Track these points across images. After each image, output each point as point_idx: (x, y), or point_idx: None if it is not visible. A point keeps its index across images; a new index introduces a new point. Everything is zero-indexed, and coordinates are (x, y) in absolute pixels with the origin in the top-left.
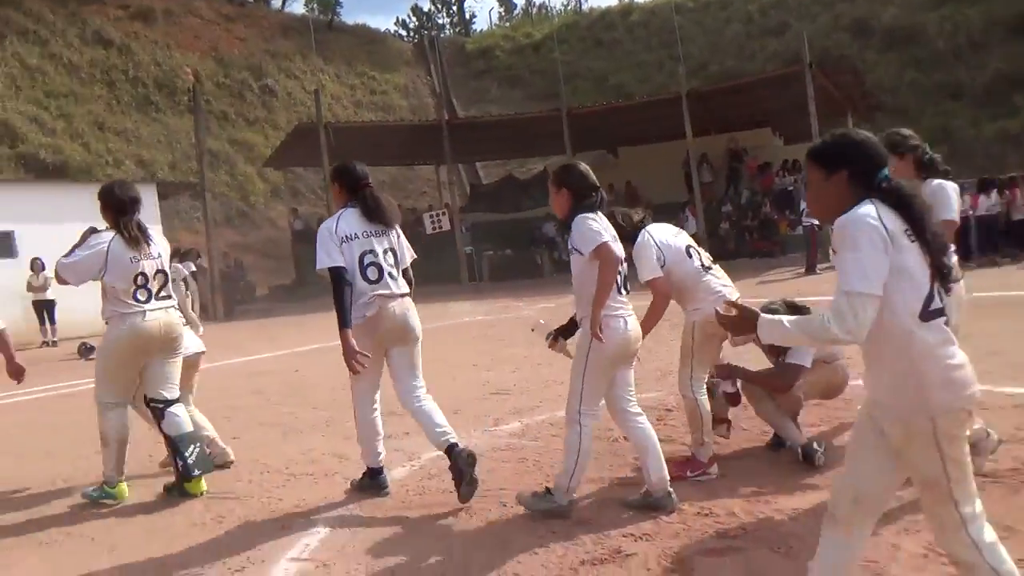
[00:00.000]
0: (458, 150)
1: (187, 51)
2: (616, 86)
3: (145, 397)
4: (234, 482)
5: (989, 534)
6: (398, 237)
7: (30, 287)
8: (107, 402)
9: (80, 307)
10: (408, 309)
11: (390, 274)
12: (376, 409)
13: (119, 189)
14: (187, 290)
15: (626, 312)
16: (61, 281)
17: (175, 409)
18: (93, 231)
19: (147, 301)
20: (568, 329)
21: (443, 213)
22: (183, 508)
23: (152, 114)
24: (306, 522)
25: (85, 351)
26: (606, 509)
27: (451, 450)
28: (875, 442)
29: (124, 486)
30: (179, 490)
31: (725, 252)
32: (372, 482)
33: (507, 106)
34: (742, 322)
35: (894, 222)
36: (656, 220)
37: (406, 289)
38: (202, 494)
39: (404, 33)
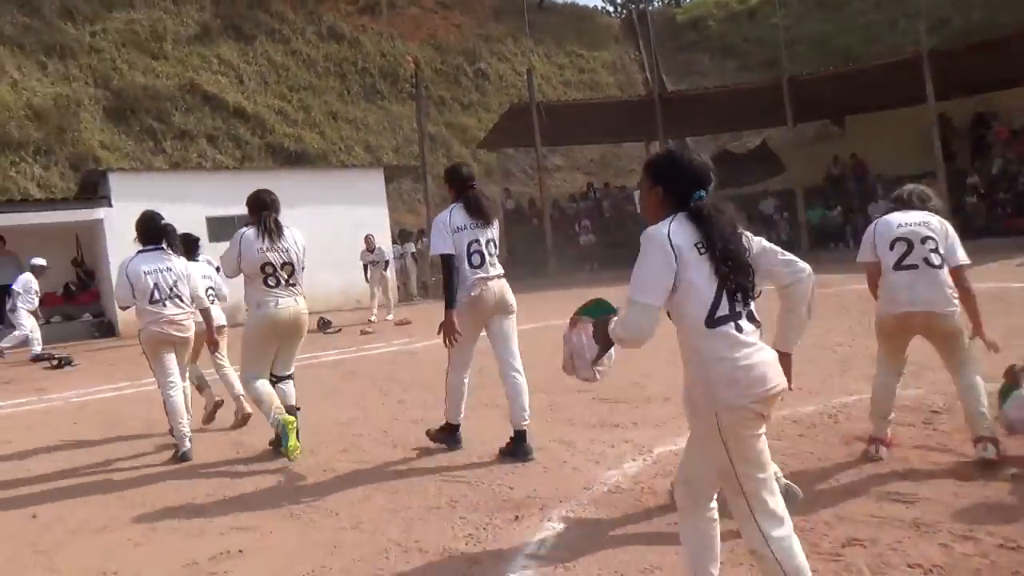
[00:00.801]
0: (670, 125)
1: (408, 40)
2: (841, 50)
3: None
4: (465, 465)
5: (781, 530)
6: (496, 229)
7: None
8: (249, 373)
9: (321, 282)
10: (504, 288)
11: (490, 261)
12: (467, 376)
13: (263, 193)
14: (385, 270)
15: None
16: (227, 275)
17: (282, 384)
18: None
19: (276, 287)
20: None
21: None
22: (419, 490)
23: (378, 102)
24: (540, 514)
25: (323, 325)
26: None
27: (520, 436)
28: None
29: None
30: (275, 449)
31: (972, 230)
32: (448, 436)
33: (719, 78)
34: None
35: (687, 237)
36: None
37: (502, 271)
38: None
39: (612, 9)
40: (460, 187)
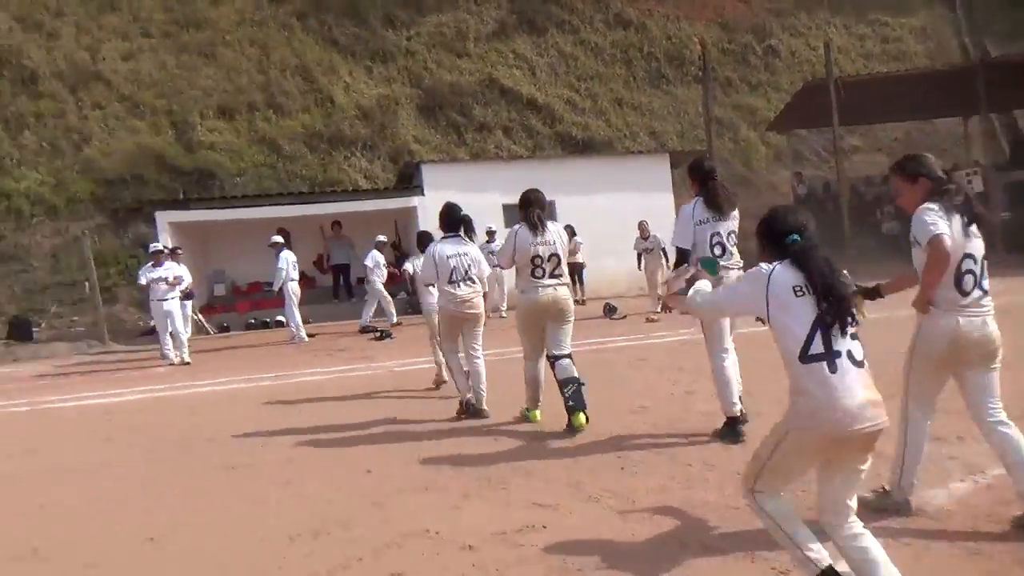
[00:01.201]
0: (994, 97)
1: (695, 21)
2: None
3: None
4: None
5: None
6: (736, 221)
7: None
8: (526, 354)
9: (607, 268)
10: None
11: (730, 251)
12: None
13: (530, 192)
14: (664, 259)
15: (970, 311)
16: (495, 266)
17: (562, 362)
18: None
19: (542, 277)
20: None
21: (974, 172)
22: (714, 485)
23: (663, 87)
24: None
25: (609, 311)
26: None
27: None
28: None
29: (537, 412)
30: (569, 427)
31: None
32: (728, 431)
33: None
34: None
35: (787, 280)
36: None
37: (741, 262)
38: (581, 428)
39: None
40: (702, 180)
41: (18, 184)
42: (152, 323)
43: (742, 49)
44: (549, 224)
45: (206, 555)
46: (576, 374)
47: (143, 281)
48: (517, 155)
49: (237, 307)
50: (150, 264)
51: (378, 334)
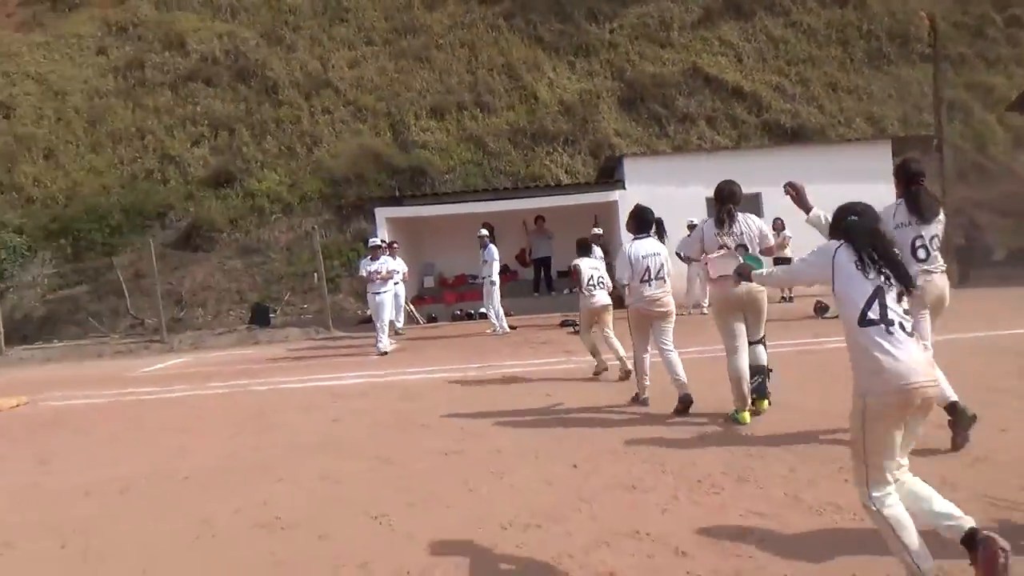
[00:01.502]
0: None
1: None
2: None
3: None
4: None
5: (891, 500)
6: (940, 225)
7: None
8: (727, 348)
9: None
10: (945, 282)
11: (933, 255)
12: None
13: (724, 185)
14: None
15: None
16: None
17: (755, 346)
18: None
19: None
20: None
21: None
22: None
23: (884, 68)
24: None
25: (820, 310)
26: None
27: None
28: None
29: (747, 415)
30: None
31: None
32: None
33: None
34: None
35: (850, 255)
36: None
37: (944, 267)
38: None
39: None
40: (907, 182)
41: (260, 184)
42: (368, 313)
43: (978, 21)
44: (739, 216)
45: (426, 534)
46: (764, 362)
47: (363, 273)
48: (721, 146)
49: (445, 298)
50: (368, 258)
51: (577, 328)
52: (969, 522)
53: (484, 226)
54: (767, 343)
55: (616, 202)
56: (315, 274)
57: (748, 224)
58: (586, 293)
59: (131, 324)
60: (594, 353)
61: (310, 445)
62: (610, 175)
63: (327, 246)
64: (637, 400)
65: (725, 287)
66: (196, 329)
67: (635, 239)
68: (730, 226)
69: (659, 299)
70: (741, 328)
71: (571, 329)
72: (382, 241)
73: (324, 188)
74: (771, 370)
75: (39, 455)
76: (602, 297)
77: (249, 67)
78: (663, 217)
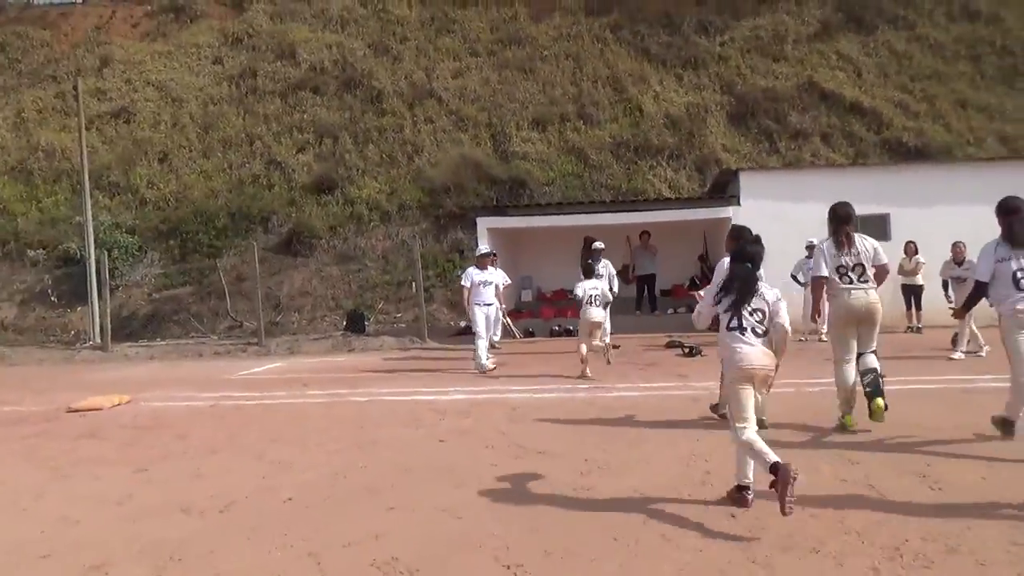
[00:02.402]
0: None
1: None
2: None
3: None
4: None
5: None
6: None
7: (901, 270)
8: (839, 358)
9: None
10: None
11: None
12: None
13: (839, 207)
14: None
15: None
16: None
17: (866, 357)
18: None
19: (848, 284)
20: None
21: None
22: None
23: (1018, 86)
24: None
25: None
26: None
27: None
28: None
29: (850, 418)
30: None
31: None
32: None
33: None
34: None
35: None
36: None
37: None
38: (880, 412)
39: None
40: (1005, 215)
41: (361, 192)
42: (464, 324)
43: None
44: (856, 238)
45: None
46: (877, 365)
47: (467, 284)
48: (835, 163)
49: (542, 313)
50: (474, 267)
51: (686, 349)
52: (775, 457)
53: (586, 240)
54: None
55: (729, 219)
56: (412, 283)
57: (863, 244)
58: (584, 309)
59: (230, 326)
60: (583, 360)
61: (419, 468)
62: (722, 190)
63: (423, 255)
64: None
65: (845, 301)
66: (292, 334)
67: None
68: (849, 247)
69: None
70: (854, 344)
71: (681, 351)
72: (492, 252)
73: (423, 197)
74: (883, 374)
75: (137, 461)
76: (596, 313)
77: (355, 77)
78: (781, 238)
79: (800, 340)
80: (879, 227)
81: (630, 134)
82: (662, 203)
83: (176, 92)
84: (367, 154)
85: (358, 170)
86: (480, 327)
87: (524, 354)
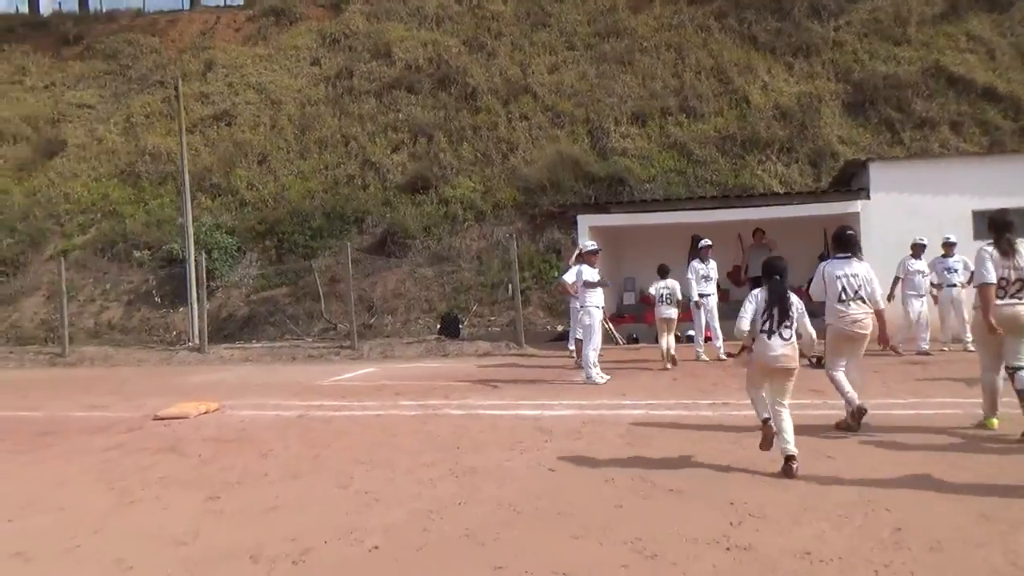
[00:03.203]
0: None
1: None
2: None
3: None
4: None
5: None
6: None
7: None
8: (984, 364)
9: None
10: None
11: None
12: None
13: (999, 215)
14: None
15: None
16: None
17: (1021, 373)
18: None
19: (1005, 296)
20: None
21: None
22: None
23: None
24: None
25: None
26: None
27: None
28: None
29: (994, 420)
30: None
31: None
32: None
33: None
34: None
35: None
36: None
37: None
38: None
39: None
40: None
41: (455, 191)
42: (561, 329)
43: None
44: (1020, 246)
45: None
46: None
47: (570, 279)
48: (968, 153)
49: (646, 318)
50: (579, 265)
51: (814, 359)
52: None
53: (693, 239)
54: None
55: (857, 214)
56: (508, 285)
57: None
58: (656, 307)
59: (324, 328)
60: (664, 356)
61: (528, 509)
62: (847, 183)
63: (518, 256)
64: (847, 423)
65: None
66: (385, 336)
67: (833, 258)
68: (1013, 256)
69: (859, 320)
70: (998, 351)
71: (809, 363)
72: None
73: (518, 196)
74: None
75: (212, 485)
76: (666, 311)
77: (450, 74)
78: (917, 233)
79: (941, 351)
80: None
81: (736, 127)
82: (779, 197)
83: (275, 94)
84: (461, 153)
85: (452, 169)
86: (589, 332)
87: (629, 363)
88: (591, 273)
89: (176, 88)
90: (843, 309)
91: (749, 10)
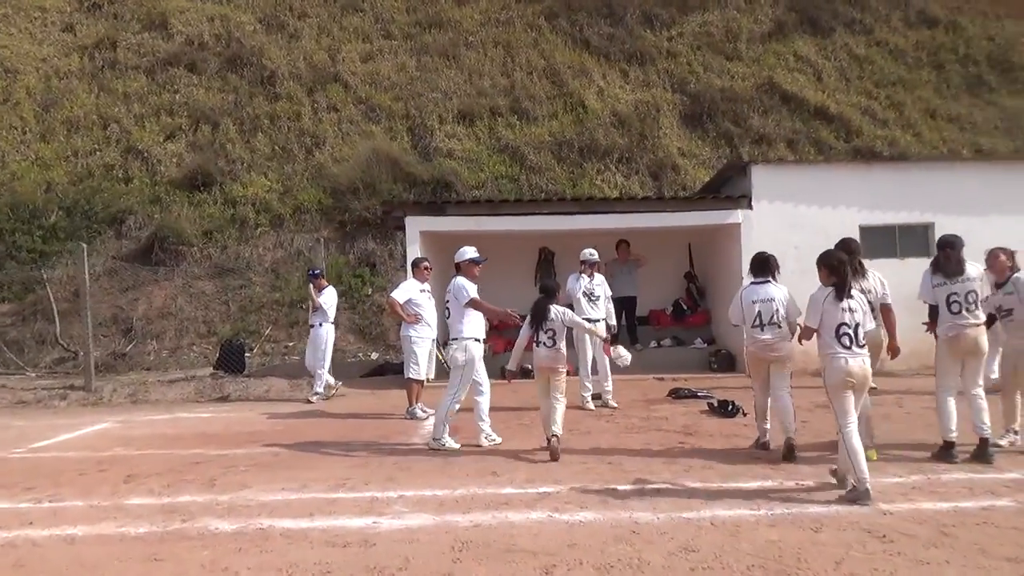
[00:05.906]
0: None
1: (1021, 19)
2: None
3: None
4: None
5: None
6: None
7: None
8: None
9: None
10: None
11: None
12: None
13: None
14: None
15: None
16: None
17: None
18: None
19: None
20: None
21: None
22: None
23: (985, 96)
24: None
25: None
26: None
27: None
28: None
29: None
30: None
31: None
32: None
33: None
34: None
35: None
36: None
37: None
38: None
39: None
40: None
41: (245, 190)
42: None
43: None
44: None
45: None
46: None
47: (400, 297)
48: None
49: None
50: (412, 279)
51: (716, 404)
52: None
53: (541, 252)
54: None
55: (737, 225)
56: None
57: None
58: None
59: (60, 358)
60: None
61: None
62: (716, 190)
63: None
64: (757, 444)
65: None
66: (145, 369)
67: (751, 283)
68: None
69: (772, 345)
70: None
71: (709, 408)
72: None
73: (324, 198)
74: None
75: None
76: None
77: (242, 54)
78: (802, 248)
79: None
80: (920, 241)
81: (574, 133)
82: (650, 203)
83: (11, 61)
84: (255, 145)
85: (243, 164)
86: (421, 362)
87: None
88: (421, 289)
89: None
90: (756, 335)
91: (581, 12)
